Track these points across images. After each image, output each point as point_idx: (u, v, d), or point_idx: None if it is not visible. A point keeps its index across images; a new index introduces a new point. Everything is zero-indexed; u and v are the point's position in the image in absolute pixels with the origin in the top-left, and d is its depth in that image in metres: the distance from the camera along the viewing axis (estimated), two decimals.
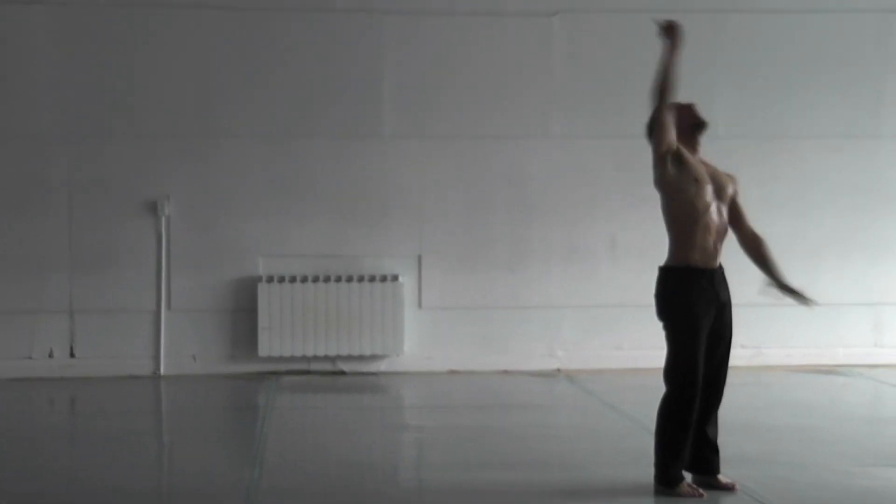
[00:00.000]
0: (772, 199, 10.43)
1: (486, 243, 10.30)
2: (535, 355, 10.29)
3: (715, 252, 6.06)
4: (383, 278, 10.10)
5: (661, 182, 6.09)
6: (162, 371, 10.05)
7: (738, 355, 10.44)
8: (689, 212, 6.02)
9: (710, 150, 10.60)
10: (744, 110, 10.44)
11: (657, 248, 10.45)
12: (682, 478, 5.95)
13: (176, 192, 10.08)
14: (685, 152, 6.04)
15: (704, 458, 6.07)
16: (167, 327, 10.07)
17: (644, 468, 6.27)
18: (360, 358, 10.13)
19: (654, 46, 10.73)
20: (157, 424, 8.75)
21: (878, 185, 10.53)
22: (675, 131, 6.10)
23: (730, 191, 6.22)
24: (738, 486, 6.03)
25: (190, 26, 10.12)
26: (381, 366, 10.20)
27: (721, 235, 6.09)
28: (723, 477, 6.08)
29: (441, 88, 10.26)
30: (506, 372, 10.23)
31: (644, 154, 10.56)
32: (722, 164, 11.03)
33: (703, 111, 6.31)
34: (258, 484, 6.23)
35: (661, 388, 8.67)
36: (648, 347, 10.27)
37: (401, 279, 10.14)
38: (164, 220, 10.05)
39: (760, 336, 10.37)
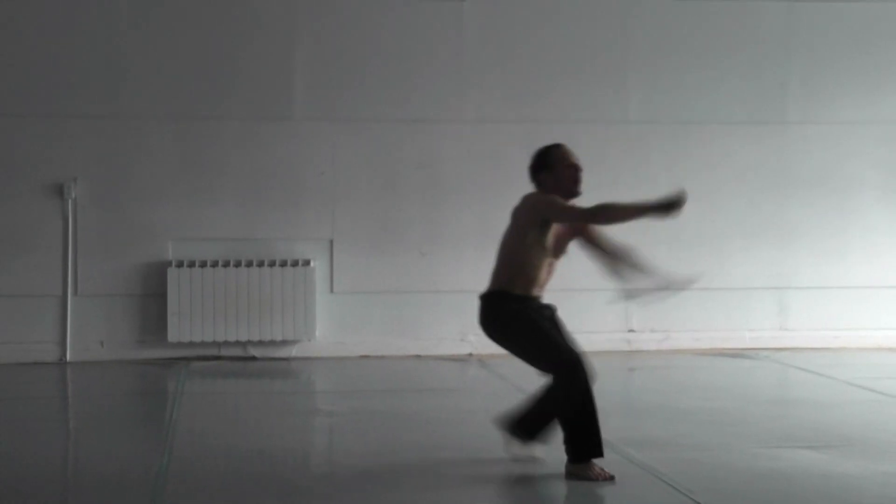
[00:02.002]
0: (679, 183, 10.50)
1: (398, 227, 10.28)
2: (447, 340, 10.31)
3: (541, 288, 6.21)
4: (295, 263, 10.04)
5: (520, 228, 6.09)
6: (68, 357, 9.89)
7: (648, 339, 10.66)
8: (523, 265, 6.09)
9: (621, 135, 10.79)
10: (652, 95, 10.56)
11: None
12: (599, 455, 5.97)
13: (83, 174, 9.91)
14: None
15: (538, 429, 6.21)
16: (74, 312, 9.91)
17: (555, 452, 6.32)
18: (272, 343, 10.06)
19: (566, 30, 10.82)
20: (63, 411, 8.61)
21: (784, 171, 10.71)
22: (556, 190, 6.12)
23: (567, 240, 6.27)
24: (541, 457, 6.24)
25: (96, 2, 9.95)
26: (293, 351, 10.14)
27: (544, 285, 6.23)
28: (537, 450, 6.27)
29: (353, 71, 10.21)
30: (418, 357, 10.23)
31: (556, 137, 10.63)
32: (631, 149, 11.21)
33: (579, 158, 6.25)
34: (167, 471, 6.16)
35: None
36: None
37: (312, 263, 10.08)
38: (70, 202, 9.89)
39: (669, 320, 10.50)
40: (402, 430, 7.20)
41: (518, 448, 6.29)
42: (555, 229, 6.13)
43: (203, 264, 9.94)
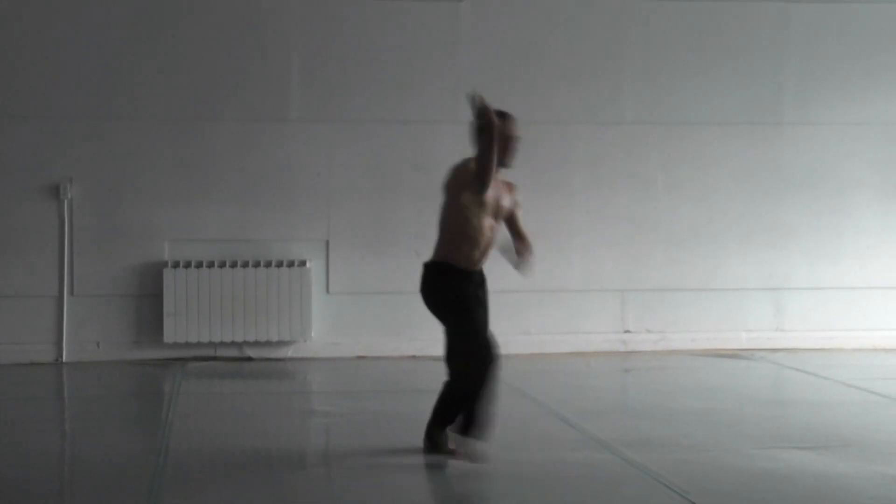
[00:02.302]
0: (675, 184, 10.57)
1: (394, 228, 10.28)
2: (442, 340, 10.28)
3: (479, 260, 6.39)
4: (291, 263, 10.03)
5: (453, 194, 6.33)
6: (64, 358, 9.89)
7: (644, 340, 10.66)
8: (464, 228, 6.30)
9: (617, 137, 10.79)
10: (649, 97, 10.56)
11: (563, 233, 10.61)
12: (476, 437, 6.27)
13: (79, 174, 9.90)
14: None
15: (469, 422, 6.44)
16: (70, 313, 9.90)
17: (551, 452, 6.35)
18: (268, 344, 10.06)
19: (562, 31, 10.84)
20: (60, 412, 8.60)
21: (779, 171, 10.71)
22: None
23: (506, 205, 6.44)
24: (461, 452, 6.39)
25: (92, 4, 9.95)
26: (289, 351, 10.14)
27: (489, 247, 6.39)
28: (452, 442, 6.46)
29: (349, 72, 10.21)
30: (414, 357, 10.23)
31: (552, 138, 10.67)
32: (627, 149, 11.20)
33: (521, 130, 6.51)
34: (163, 471, 6.16)
35: (567, 373, 8.79)
36: (555, 332, 10.42)
37: (308, 264, 10.08)
38: (66, 203, 9.88)
39: (665, 321, 10.51)
40: (398, 431, 7.20)
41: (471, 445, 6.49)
42: (493, 190, 6.29)
43: (199, 265, 9.94)
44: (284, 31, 10.17)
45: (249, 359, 10.06)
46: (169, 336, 9.86)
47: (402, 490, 5.93)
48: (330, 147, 10.20)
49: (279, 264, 10.00)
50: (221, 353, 10.05)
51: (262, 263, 9.99)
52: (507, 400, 8.38)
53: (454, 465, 6.35)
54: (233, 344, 10.03)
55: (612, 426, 7.25)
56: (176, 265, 9.91)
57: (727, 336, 10.61)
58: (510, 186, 6.52)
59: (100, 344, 9.96)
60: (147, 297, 9.96)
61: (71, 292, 9.92)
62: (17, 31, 9.88)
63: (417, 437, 6.68)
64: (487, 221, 6.32)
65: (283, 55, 10.16)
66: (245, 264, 9.98)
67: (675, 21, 10.58)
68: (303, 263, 10.06)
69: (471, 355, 6.26)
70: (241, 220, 10.11)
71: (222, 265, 9.96)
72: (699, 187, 10.62)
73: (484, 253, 6.37)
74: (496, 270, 10.20)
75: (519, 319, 10.39)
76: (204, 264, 9.94)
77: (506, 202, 6.43)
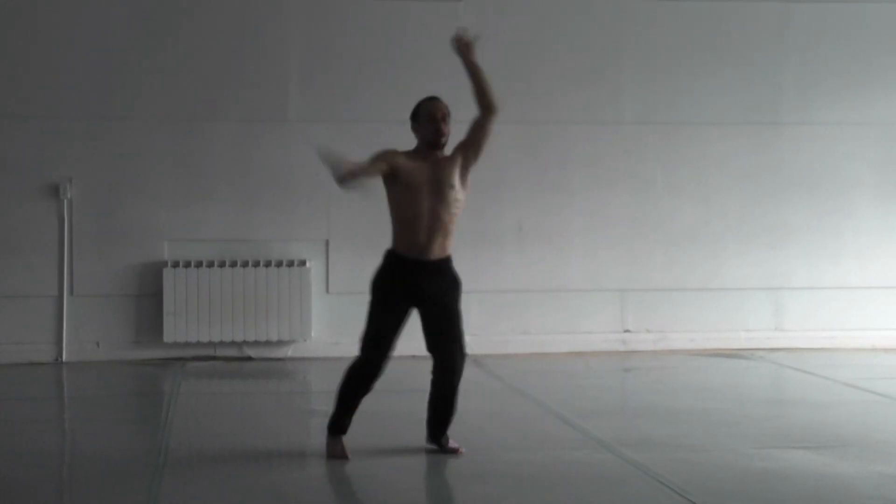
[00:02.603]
0: (675, 184, 10.57)
1: None
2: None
3: (424, 247, 6.44)
4: (290, 263, 10.04)
5: (385, 189, 6.54)
6: (64, 357, 9.89)
7: (643, 340, 10.66)
8: (399, 212, 6.48)
9: (617, 137, 10.80)
10: (649, 97, 10.56)
11: (562, 233, 10.61)
12: (344, 431, 6.49)
13: (78, 174, 9.91)
14: (401, 164, 6.41)
15: (434, 427, 6.63)
16: (70, 313, 9.91)
17: (551, 451, 6.33)
18: (267, 343, 10.06)
19: (561, 31, 10.84)
20: (60, 412, 8.60)
21: (779, 172, 10.72)
22: (421, 139, 6.50)
23: (451, 180, 6.47)
24: (462, 451, 6.51)
25: (92, 4, 9.95)
26: (289, 351, 10.14)
27: (435, 230, 6.43)
28: (452, 441, 6.60)
29: (348, 72, 10.21)
30: (413, 357, 10.19)
31: (552, 138, 10.67)
32: (627, 150, 11.19)
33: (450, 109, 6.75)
34: (163, 471, 6.16)
35: (566, 373, 8.82)
36: (554, 332, 10.43)
37: (308, 264, 10.08)
38: (66, 203, 9.88)
39: (664, 320, 10.52)
40: (398, 431, 7.20)
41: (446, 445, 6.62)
42: (427, 170, 6.40)
43: (199, 264, 9.94)
44: (284, 31, 10.17)
45: (249, 358, 10.07)
46: (169, 336, 9.87)
47: (402, 490, 5.94)
48: (328, 147, 10.17)
49: (279, 264, 10.01)
50: (221, 352, 10.06)
51: (261, 263, 9.99)
52: (506, 400, 8.41)
53: (454, 464, 6.36)
54: (232, 343, 10.03)
55: (612, 426, 7.25)
56: (176, 265, 9.92)
57: (727, 336, 10.61)
58: (454, 156, 6.53)
59: (99, 344, 9.96)
60: (147, 297, 9.97)
61: (71, 292, 9.92)
62: (18, 31, 9.88)
63: (417, 437, 6.69)
64: (425, 204, 6.36)
65: (282, 55, 10.16)
66: (245, 264, 9.98)
67: (674, 21, 10.59)
68: (302, 263, 10.07)
69: (360, 353, 6.52)
70: (240, 219, 10.11)
71: (222, 265, 9.96)
72: (699, 187, 10.62)
73: (429, 237, 6.38)
74: (495, 270, 10.27)
75: (519, 319, 10.39)
76: (204, 264, 9.94)
77: (450, 177, 6.40)
